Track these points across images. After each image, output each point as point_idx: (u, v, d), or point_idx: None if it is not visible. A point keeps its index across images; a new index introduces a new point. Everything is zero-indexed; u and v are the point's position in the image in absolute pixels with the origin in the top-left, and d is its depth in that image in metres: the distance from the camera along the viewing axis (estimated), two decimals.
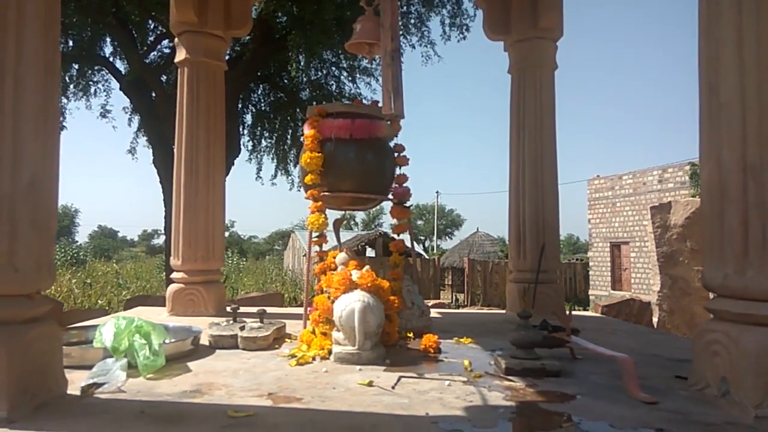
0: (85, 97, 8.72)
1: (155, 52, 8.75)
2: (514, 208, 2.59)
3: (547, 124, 2.54)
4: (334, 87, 9.64)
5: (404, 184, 2.13)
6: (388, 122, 2.10)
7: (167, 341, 1.47)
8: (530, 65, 2.55)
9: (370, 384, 1.29)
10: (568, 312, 1.63)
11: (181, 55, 2.47)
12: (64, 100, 8.61)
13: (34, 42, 1.08)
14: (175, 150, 2.51)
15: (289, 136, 10.58)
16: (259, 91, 10.92)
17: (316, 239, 1.99)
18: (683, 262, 3.88)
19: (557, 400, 1.19)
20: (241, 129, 9.88)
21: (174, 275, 2.46)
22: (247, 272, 16.34)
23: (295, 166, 11.15)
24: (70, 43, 8.02)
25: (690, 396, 1.20)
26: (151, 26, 8.16)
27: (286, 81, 10.50)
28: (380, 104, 2.18)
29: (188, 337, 1.60)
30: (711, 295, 1.28)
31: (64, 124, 8.55)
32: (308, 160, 2.01)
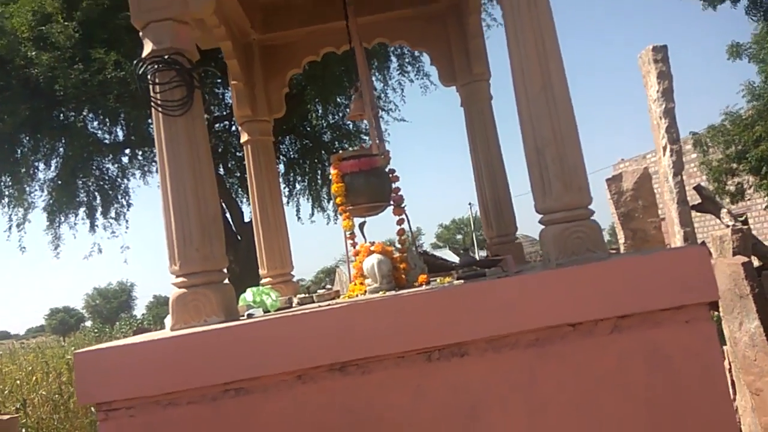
0: (144, 176, 10.28)
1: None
2: (480, 197, 3.78)
3: (491, 137, 3.73)
4: (351, 126, 11.02)
5: (399, 193, 3.36)
6: (382, 156, 3.33)
7: (281, 297, 2.72)
8: (474, 100, 3.76)
9: None
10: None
11: (244, 137, 3.77)
12: (126, 180, 10.20)
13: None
14: (250, 199, 3.80)
15: (319, 176, 11.96)
16: (287, 142, 12.39)
17: (349, 236, 3.22)
18: (639, 216, 4.95)
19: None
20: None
21: (262, 281, 3.73)
22: None
23: (328, 201, 12.55)
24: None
25: (537, 265, 2.36)
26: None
27: (308, 129, 11.98)
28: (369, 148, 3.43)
29: (288, 297, 2.85)
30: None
31: (130, 201, 10.14)
32: (336, 189, 3.26)
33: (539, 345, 1.96)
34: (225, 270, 2.36)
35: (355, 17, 3.33)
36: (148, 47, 2.32)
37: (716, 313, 4.03)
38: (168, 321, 2.33)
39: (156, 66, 2.28)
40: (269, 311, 2.55)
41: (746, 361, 3.70)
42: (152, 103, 2.30)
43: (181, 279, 2.22)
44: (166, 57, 2.28)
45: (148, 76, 2.28)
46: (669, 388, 1.90)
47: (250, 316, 2.43)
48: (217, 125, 11.14)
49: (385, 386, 1.98)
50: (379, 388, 1.98)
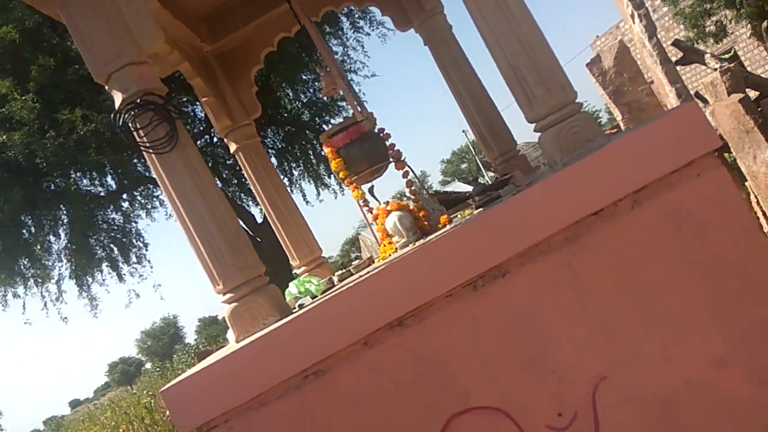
0: (149, 214, 10.40)
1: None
2: (471, 124, 3.83)
3: (463, 64, 3.76)
4: (326, 99, 10.97)
5: (395, 149, 3.42)
6: (367, 119, 3.39)
7: (322, 280, 2.86)
8: (435, 36, 3.77)
9: None
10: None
11: (233, 147, 3.84)
12: (134, 224, 10.32)
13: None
14: (260, 201, 3.89)
15: (312, 157, 11.98)
16: (270, 135, 12.37)
17: (362, 203, 3.32)
18: (628, 89, 4.96)
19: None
20: None
21: (298, 272, 3.86)
22: None
23: (329, 177, 12.59)
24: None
25: (545, 171, 2.44)
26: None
27: (286, 115, 11.94)
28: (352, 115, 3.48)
29: (328, 278, 2.98)
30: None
31: (146, 241, 10.28)
32: (336, 165, 3.33)
33: (570, 242, 2.07)
34: (263, 273, 2.47)
35: None
36: (118, 97, 2.38)
37: (730, 154, 4.09)
38: (230, 335, 2.47)
39: (132, 112, 2.35)
40: (317, 296, 2.68)
41: None
42: (141, 148, 2.38)
43: (228, 295, 2.35)
44: (138, 101, 2.35)
45: (129, 124, 2.36)
46: (698, 240, 2.01)
47: (301, 306, 2.57)
48: (198, 142, 11.16)
49: (442, 326, 2.11)
50: (438, 330, 2.11)
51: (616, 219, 2.06)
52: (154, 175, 2.43)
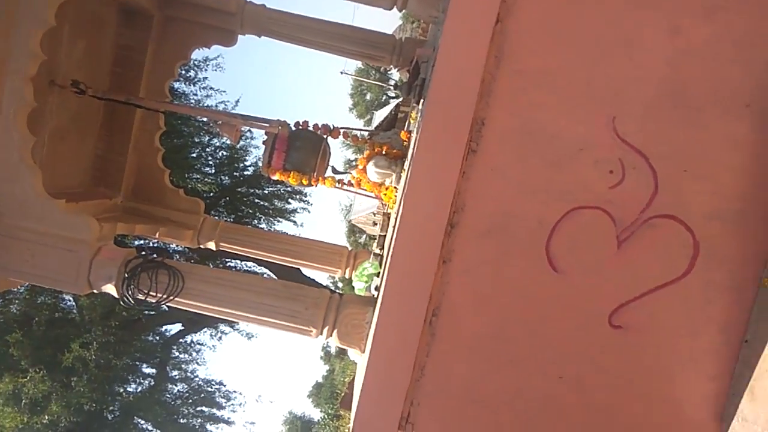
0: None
1: None
2: (350, 55, 3.93)
3: (300, 21, 3.82)
4: (231, 150, 10.94)
5: (320, 126, 3.54)
6: (281, 127, 3.48)
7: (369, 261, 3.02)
8: (257, 24, 3.81)
9: None
10: None
11: (212, 245, 3.93)
12: None
13: None
14: (267, 256, 4.01)
15: (263, 203, 11.99)
16: (219, 217, 12.34)
17: (338, 187, 3.46)
18: None
19: None
20: None
21: (348, 277, 4.02)
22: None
23: (288, 202, 12.59)
24: None
25: (436, 24, 2.57)
26: None
27: (211, 193, 11.87)
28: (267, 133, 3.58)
29: (371, 255, 3.15)
30: None
31: (219, 381, 10.34)
32: (294, 179, 3.45)
33: (500, 58, 2.22)
34: (330, 293, 2.62)
35: (140, 97, 3.38)
36: (111, 289, 2.48)
37: None
38: (353, 353, 2.65)
39: (131, 288, 2.46)
40: (379, 272, 2.85)
41: None
42: (164, 304, 2.49)
43: (326, 330, 2.51)
44: (126, 276, 2.45)
45: (140, 297, 2.46)
46: None
47: (377, 288, 2.74)
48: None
49: (478, 197, 2.28)
50: (478, 203, 2.28)
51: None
52: (193, 311, 2.55)
